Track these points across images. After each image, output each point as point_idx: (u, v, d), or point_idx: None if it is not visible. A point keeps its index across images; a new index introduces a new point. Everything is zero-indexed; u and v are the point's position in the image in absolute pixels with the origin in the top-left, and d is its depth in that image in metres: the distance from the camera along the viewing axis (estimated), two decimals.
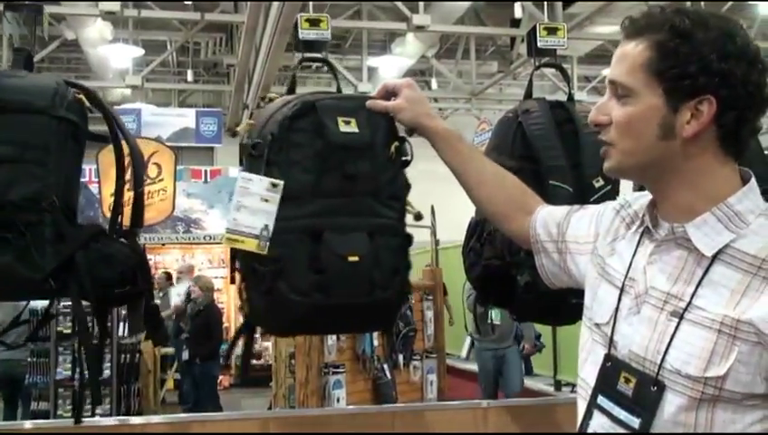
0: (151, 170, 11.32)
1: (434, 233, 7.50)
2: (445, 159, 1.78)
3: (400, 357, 5.82)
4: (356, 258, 1.79)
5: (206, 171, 14.26)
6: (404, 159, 1.91)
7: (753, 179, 1.31)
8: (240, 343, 2.06)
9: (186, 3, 11.33)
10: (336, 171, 1.80)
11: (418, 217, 1.97)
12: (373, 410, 3.24)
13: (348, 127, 1.81)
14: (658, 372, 1.24)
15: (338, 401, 5.13)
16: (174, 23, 12.72)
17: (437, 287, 6.32)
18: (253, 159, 1.82)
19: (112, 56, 12.06)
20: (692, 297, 1.24)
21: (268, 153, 1.79)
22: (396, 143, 1.88)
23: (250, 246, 1.76)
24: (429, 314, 5.99)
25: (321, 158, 1.80)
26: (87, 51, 11.89)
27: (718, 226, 1.26)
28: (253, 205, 1.76)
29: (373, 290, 1.83)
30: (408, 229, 1.96)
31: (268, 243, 1.76)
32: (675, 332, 1.24)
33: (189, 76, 14.60)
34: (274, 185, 1.77)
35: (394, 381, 5.68)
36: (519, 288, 1.73)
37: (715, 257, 1.25)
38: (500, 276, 1.86)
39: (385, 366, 5.65)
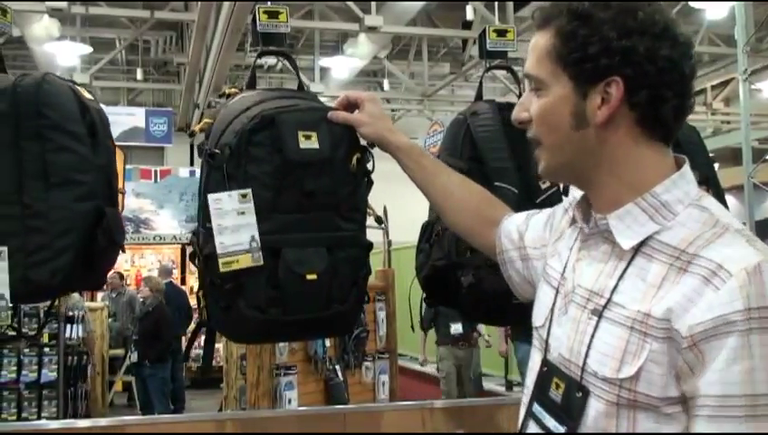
0: None
1: (386, 233, 7.49)
2: (409, 174, 1.75)
3: (352, 358, 5.81)
4: (314, 276, 1.78)
5: (155, 171, 14.12)
6: (366, 169, 1.89)
7: (687, 166, 1.22)
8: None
9: (135, 0, 11.18)
10: (295, 188, 1.78)
11: (379, 220, 1.96)
12: (324, 410, 3.23)
13: (308, 142, 1.77)
14: (582, 375, 1.16)
15: (289, 402, 5.09)
16: (123, 20, 12.54)
17: (390, 288, 6.32)
18: (212, 169, 1.80)
19: (59, 54, 11.85)
20: (611, 294, 1.16)
21: (226, 167, 1.76)
22: (357, 154, 1.85)
23: (245, 262, 1.74)
24: (382, 315, 5.98)
25: (279, 174, 1.77)
26: (33, 48, 11.65)
27: (642, 217, 1.17)
28: (232, 222, 1.74)
29: (331, 304, 1.83)
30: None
31: (260, 252, 1.74)
32: (594, 332, 1.16)
33: (139, 75, 14.39)
34: (244, 196, 1.75)
35: (346, 382, 5.67)
36: (463, 289, 1.73)
37: (638, 250, 1.16)
38: (445, 277, 1.86)
39: (337, 367, 5.63)
